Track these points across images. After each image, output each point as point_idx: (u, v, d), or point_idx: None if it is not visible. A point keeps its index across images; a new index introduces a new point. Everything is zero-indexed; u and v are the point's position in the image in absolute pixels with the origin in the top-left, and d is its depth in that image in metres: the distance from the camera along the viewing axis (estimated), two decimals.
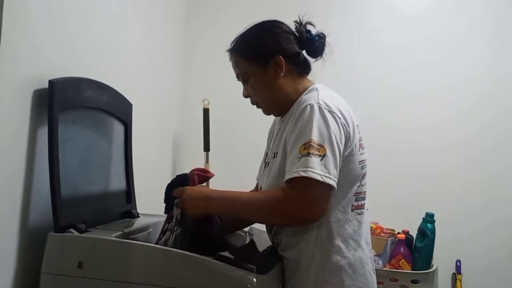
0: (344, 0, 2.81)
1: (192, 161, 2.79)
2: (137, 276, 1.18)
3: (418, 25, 2.71)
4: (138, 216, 1.65)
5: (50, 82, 1.27)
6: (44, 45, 1.34)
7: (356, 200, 1.31)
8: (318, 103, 1.23)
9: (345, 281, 1.26)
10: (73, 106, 1.38)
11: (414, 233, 2.36)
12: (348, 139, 1.26)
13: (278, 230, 1.35)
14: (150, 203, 1.85)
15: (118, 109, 1.65)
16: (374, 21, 2.75)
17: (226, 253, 1.18)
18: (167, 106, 2.61)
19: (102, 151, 1.59)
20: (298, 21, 1.37)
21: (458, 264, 2.55)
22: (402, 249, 2.33)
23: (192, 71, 2.90)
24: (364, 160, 1.34)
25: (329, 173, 1.17)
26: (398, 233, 2.39)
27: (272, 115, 1.46)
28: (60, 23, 1.42)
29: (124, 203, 1.66)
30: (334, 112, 1.23)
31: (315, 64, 1.42)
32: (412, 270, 2.29)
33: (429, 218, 2.31)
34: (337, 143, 1.21)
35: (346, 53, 2.64)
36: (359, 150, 1.31)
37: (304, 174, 1.15)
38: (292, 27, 1.38)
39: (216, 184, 2.61)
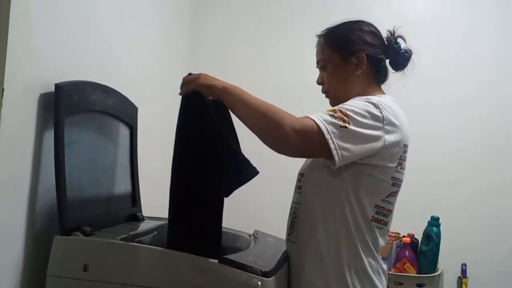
0: (349, 4, 2.82)
1: None
2: (142, 279, 1.18)
3: (425, 30, 2.71)
4: (143, 219, 1.65)
5: (56, 86, 1.27)
6: (50, 49, 1.35)
7: (377, 213, 1.29)
8: (376, 101, 1.24)
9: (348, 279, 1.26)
10: (79, 110, 1.38)
11: (419, 236, 2.36)
12: (387, 148, 1.23)
13: (298, 211, 1.35)
14: (155, 207, 1.85)
15: (124, 112, 1.65)
16: (379, 25, 2.75)
17: (231, 256, 1.18)
18: (172, 109, 2.61)
19: (108, 154, 1.59)
20: (392, 31, 1.41)
21: (464, 268, 2.54)
22: (407, 253, 2.32)
23: None
24: (399, 179, 1.31)
25: (334, 137, 1.17)
26: (404, 236, 2.38)
27: None
28: (66, 27, 1.43)
29: (129, 206, 1.67)
30: (385, 113, 1.23)
31: None
32: (417, 273, 2.28)
33: (434, 222, 2.31)
34: (364, 129, 1.20)
35: None
36: (397, 167, 1.29)
37: (315, 119, 1.18)
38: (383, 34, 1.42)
39: None
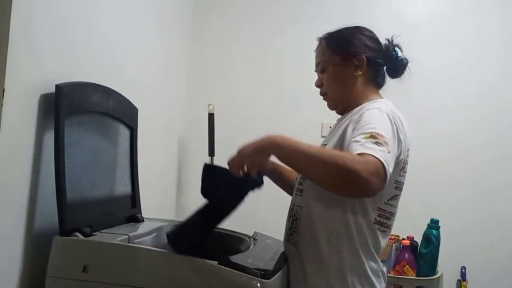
0: (349, 6, 2.82)
1: (197, 166, 2.80)
2: (142, 280, 1.18)
3: (426, 33, 2.72)
4: (143, 221, 1.65)
5: (57, 86, 1.27)
6: (51, 50, 1.35)
7: (380, 216, 1.29)
8: (387, 111, 1.25)
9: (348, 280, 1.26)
10: (79, 111, 1.38)
11: (419, 239, 2.36)
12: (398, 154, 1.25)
13: (299, 213, 1.35)
14: (155, 208, 1.86)
15: (124, 113, 1.66)
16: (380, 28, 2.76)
17: (230, 258, 1.18)
18: (172, 111, 2.62)
19: (108, 156, 1.59)
20: (390, 39, 1.44)
21: (463, 271, 2.54)
22: (406, 255, 2.32)
23: (198, 76, 2.92)
24: (401, 182, 1.33)
25: (390, 168, 1.13)
26: (403, 239, 2.38)
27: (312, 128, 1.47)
28: (67, 28, 1.43)
29: (129, 208, 1.67)
30: (397, 124, 1.24)
31: None
32: (416, 276, 2.28)
33: (434, 224, 2.31)
34: (395, 149, 1.20)
35: None
36: (400, 171, 1.30)
37: (376, 155, 1.09)
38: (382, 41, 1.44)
39: None
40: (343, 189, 1.13)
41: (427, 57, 2.69)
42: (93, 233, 1.30)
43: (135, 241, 1.38)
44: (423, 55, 2.70)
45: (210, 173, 1.28)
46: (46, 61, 1.34)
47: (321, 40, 1.45)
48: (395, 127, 1.23)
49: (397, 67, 1.43)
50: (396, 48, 1.42)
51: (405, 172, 1.33)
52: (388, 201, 1.30)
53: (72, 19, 1.46)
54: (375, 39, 1.43)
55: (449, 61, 2.70)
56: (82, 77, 1.45)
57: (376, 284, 1.29)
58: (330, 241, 1.28)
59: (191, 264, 1.17)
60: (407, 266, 2.28)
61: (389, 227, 1.33)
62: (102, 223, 1.41)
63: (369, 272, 1.27)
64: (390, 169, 1.11)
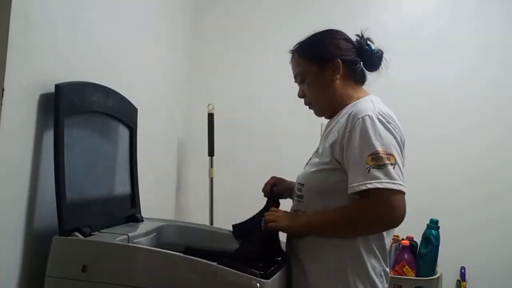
0: (350, 7, 2.82)
1: (196, 166, 2.81)
2: (141, 280, 1.18)
3: (427, 34, 2.72)
4: (142, 220, 1.65)
5: (57, 86, 1.27)
6: (50, 49, 1.35)
7: None
8: (377, 115, 1.26)
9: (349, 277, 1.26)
10: (79, 111, 1.38)
11: (418, 239, 2.36)
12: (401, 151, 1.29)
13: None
14: (155, 208, 1.85)
15: (124, 113, 1.66)
16: (381, 27, 2.76)
17: (230, 258, 1.18)
18: (172, 111, 2.62)
19: (107, 155, 1.59)
20: (360, 34, 1.45)
21: (463, 271, 2.54)
22: (406, 256, 2.32)
23: (197, 76, 2.91)
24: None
25: (400, 179, 1.21)
26: (403, 239, 2.38)
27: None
28: (66, 28, 1.43)
29: (128, 207, 1.67)
30: (392, 123, 1.28)
31: None
32: (416, 276, 2.28)
33: (433, 225, 2.30)
34: (401, 149, 1.27)
35: None
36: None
37: (380, 186, 1.18)
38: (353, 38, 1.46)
39: (219, 188, 2.64)
40: (383, 229, 1.29)
41: (428, 59, 2.69)
42: (93, 233, 1.30)
43: (135, 241, 1.38)
44: (424, 57, 2.70)
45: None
46: (46, 61, 1.34)
47: (293, 52, 1.47)
48: (390, 127, 1.26)
49: (372, 60, 1.43)
50: (369, 42, 1.43)
51: (403, 165, 1.34)
52: None
53: (71, 19, 1.46)
54: (346, 39, 1.44)
55: (451, 64, 2.69)
56: (81, 77, 1.45)
57: (378, 284, 1.28)
58: (332, 243, 1.28)
59: (191, 264, 1.17)
60: (407, 266, 2.28)
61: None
62: (101, 223, 1.41)
63: (371, 272, 1.27)
64: (401, 182, 1.20)
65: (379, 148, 1.21)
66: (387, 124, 1.26)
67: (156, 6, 2.29)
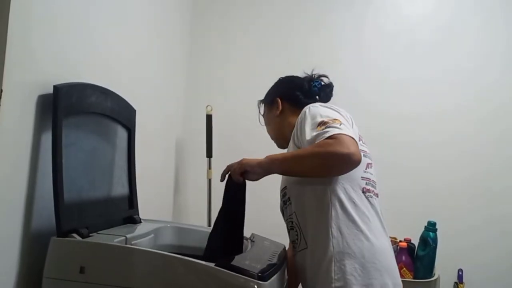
0: (350, 6, 2.83)
1: (195, 167, 2.80)
2: (139, 282, 1.18)
3: (426, 34, 2.73)
4: (140, 222, 1.65)
5: (55, 87, 1.27)
6: (49, 50, 1.35)
7: (367, 184, 1.40)
8: (313, 104, 1.45)
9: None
10: (77, 112, 1.38)
11: (416, 241, 2.36)
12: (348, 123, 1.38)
13: (300, 226, 1.43)
14: (153, 209, 1.85)
15: (122, 114, 1.66)
16: (379, 27, 2.77)
17: (228, 260, 1.18)
18: (170, 112, 2.62)
19: (106, 157, 1.59)
20: (308, 76, 1.67)
21: (460, 273, 2.55)
22: (404, 258, 2.32)
23: (196, 78, 2.92)
24: (365, 151, 1.44)
25: (351, 134, 1.29)
26: (400, 241, 2.38)
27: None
28: (64, 28, 1.44)
29: (126, 209, 1.67)
30: (334, 107, 1.44)
31: None
32: (413, 278, 2.28)
33: (431, 227, 2.31)
34: (343, 120, 1.35)
35: (351, 67, 2.65)
36: (359, 141, 1.38)
37: (335, 132, 1.27)
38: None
39: (218, 189, 2.63)
40: (335, 170, 1.32)
41: (427, 60, 2.70)
42: (90, 234, 1.30)
43: (133, 242, 1.38)
44: (422, 58, 2.71)
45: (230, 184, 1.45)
46: (44, 61, 1.34)
47: (259, 102, 1.77)
48: (331, 107, 1.42)
49: (323, 96, 1.63)
50: (314, 82, 1.63)
51: (364, 143, 1.47)
52: (366, 169, 1.42)
53: (70, 20, 1.46)
54: (288, 80, 1.70)
55: (448, 66, 2.70)
56: (80, 77, 1.45)
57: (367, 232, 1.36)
58: (330, 225, 1.33)
59: (188, 266, 1.17)
60: (404, 268, 2.29)
61: (376, 195, 1.44)
62: (99, 224, 1.40)
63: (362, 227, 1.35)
64: (352, 135, 1.28)
65: (324, 118, 1.34)
66: (327, 106, 1.43)
67: (154, 8, 2.29)
